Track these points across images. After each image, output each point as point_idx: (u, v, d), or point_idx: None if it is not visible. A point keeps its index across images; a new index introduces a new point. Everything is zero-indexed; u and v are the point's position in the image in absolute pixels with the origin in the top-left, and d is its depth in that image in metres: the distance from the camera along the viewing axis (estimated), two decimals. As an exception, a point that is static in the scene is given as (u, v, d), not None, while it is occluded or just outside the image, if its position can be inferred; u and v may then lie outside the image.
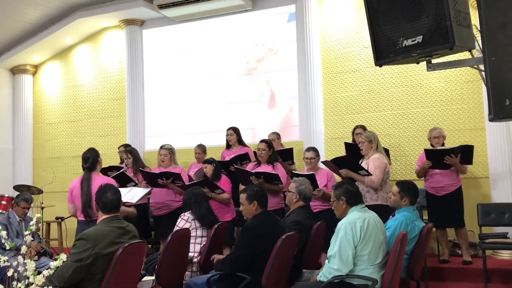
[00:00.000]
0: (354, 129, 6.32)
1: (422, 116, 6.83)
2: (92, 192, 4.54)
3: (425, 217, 5.98)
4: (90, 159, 4.69)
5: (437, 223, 5.68)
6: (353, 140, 6.24)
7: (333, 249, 3.45)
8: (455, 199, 5.60)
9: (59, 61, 9.31)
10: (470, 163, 5.67)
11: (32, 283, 2.83)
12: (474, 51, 3.02)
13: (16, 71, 9.30)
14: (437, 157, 5.52)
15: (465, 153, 5.54)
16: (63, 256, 2.92)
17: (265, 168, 5.59)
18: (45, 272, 2.92)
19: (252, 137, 7.51)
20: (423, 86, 6.86)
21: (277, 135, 6.65)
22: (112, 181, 4.57)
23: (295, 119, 7.60)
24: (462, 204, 5.65)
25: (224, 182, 5.74)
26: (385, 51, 2.88)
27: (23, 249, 2.98)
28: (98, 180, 4.57)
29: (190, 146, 7.26)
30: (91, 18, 8.53)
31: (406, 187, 4.18)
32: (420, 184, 5.73)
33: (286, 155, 6.26)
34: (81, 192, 4.60)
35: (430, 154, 5.59)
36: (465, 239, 5.65)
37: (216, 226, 4.55)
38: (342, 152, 6.45)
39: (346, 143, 6.11)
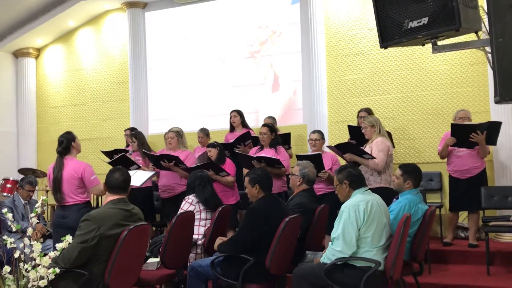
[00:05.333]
0: (359, 112, 6.30)
1: (427, 99, 6.80)
2: (63, 176, 4.45)
3: (430, 200, 5.99)
4: (64, 142, 4.56)
5: (458, 207, 5.65)
6: (358, 123, 6.22)
7: (336, 231, 3.48)
8: (479, 182, 5.51)
9: (61, 44, 9.26)
10: (494, 143, 5.49)
11: (38, 265, 2.87)
12: (480, 32, 2.99)
13: (19, 54, 9.27)
14: (463, 134, 5.36)
15: (491, 131, 5.36)
16: (69, 238, 2.95)
17: (268, 152, 5.59)
18: (51, 254, 2.96)
19: (256, 121, 7.49)
20: (428, 69, 6.81)
21: (273, 119, 6.63)
22: (84, 165, 4.51)
23: (299, 102, 7.57)
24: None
25: (229, 165, 5.76)
26: (391, 33, 2.85)
27: (29, 231, 3.01)
28: (71, 164, 4.49)
29: (193, 130, 7.25)
30: (93, 1, 8.47)
31: (409, 170, 4.18)
32: (424, 167, 5.72)
33: (283, 139, 6.24)
34: (52, 177, 4.54)
35: (456, 129, 5.41)
36: (476, 222, 5.62)
37: (220, 209, 4.57)
38: (345, 135, 6.43)
39: (349, 126, 6.09)
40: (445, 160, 5.77)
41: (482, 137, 5.31)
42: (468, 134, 5.33)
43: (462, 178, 5.57)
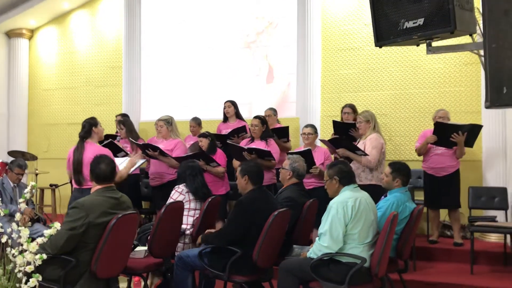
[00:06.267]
0: (343, 108, 6.28)
1: (419, 97, 6.83)
2: (84, 160, 4.53)
3: (418, 197, 6.05)
4: (86, 127, 4.68)
5: (434, 204, 5.74)
6: (341, 119, 6.22)
7: (324, 227, 3.50)
8: (454, 181, 5.62)
9: (56, 26, 9.16)
10: (471, 146, 5.57)
11: (25, 250, 2.87)
12: (475, 35, 3.00)
13: (12, 34, 9.15)
14: (445, 133, 5.42)
15: (471, 133, 5.44)
16: (57, 225, 2.95)
17: (259, 144, 5.59)
18: (39, 240, 2.96)
19: (249, 112, 7.47)
20: (422, 67, 6.83)
21: (273, 111, 6.61)
22: (106, 151, 4.56)
23: (293, 95, 7.57)
24: (459, 186, 5.67)
25: (220, 155, 5.76)
26: (386, 32, 2.86)
27: (17, 216, 3.01)
28: (91, 149, 4.56)
29: (186, 118, 7.23)
30: (89, -16, 8.39)
31: (399, 168, 4.21)
32: (413, 165, 5.76)
33: (282, 132, 6.24)
34: (72, 160, 4.61)
35: (439, 128, 5.47)
36: (457, 220, 5.71)
37: (210, 199, 4.58)
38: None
39: (334, 121, 6.04)
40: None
41: (462, 138, 5.39)
42: (449, 134, 5.40)
43: (437, 175, 5.66)
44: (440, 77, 6.74)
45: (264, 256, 3.71)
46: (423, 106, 6.79)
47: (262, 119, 5.76)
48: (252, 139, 5.75)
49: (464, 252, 5.34)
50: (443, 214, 6.04)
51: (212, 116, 7.43)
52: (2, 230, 2.92)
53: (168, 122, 5.98)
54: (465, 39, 3.72)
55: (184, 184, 4.64)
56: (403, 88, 6.91)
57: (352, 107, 6.20)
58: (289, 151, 5.53)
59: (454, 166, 5.64)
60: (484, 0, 2.21)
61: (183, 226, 4.45)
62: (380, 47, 2.96)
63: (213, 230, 4.20)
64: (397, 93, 6.95)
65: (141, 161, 5.67)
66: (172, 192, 4.63)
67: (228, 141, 6.02)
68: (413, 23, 2.70)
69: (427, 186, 5.81)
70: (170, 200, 4.46)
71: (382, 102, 7.00)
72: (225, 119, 6.80)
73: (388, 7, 2.84)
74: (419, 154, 5.83)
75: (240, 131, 6.29)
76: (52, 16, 9.08)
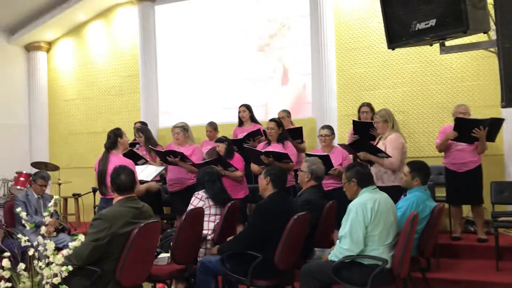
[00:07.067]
0: (360, 107, 6.22)
1: (437, 93, 6.76)
2: (108, 170, 4.58)
3: (439, 194, 5.99)
4: (111, 137, 4.76)
5: (456, 200, 5.67)
6: (359, 118, 6.18)
7: (344, 229, 3.51)
8: (476, 176, 5.53)
9: (72, 38, 9.31)
10: (493, 140, 5.48)
11: (52, 262, 2.94)
12: (490, 32, 2.97)
13: (30, 48, 9.33)
14: (466, 128, 5.34)
15: (493, 127, 5.34)
16: (81, 237, 3.02)
17: (275, 147, 5.61)
18: (64, 252, 3.02)
19: (265, 114, 7.50)
20: (439, 62, 6.75)
21: (287, 112, 6.60)
22: (130, 162, 4.62)
23: (308, 96, 7.56)
24: (482, 181, 5.58)
25: (237, 160, 5.80)
26: (398, 35, 2.86)
27: (43, 229, 3.08)
28: (115, 160, 4.61)
29: (202, 123, 7.28)
30: (104, -6, 8.51)
31: (417, 167, 4.19)
32: (434, 161, 5.72)
33: (296, 133, 6.24)
34: (97, 170, 4.69)
35: (460, 123, 5.37)
36: (481, 216, 5.63)
37: (229, 204, 4.62)
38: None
39: (354, 121, 6.01)
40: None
41: (483, 133, 5.28)
42: (470, 129, 5.31)
43: (459, 171, 5.58)
44: (458, 72, 6.66)
45: (285, 259, 3.74)
46: (441, 101, 6.71)
47: (278, 122, 5.77)
48: (269, 142, 5.77)
49: (489, 248, 5.26)
50: (466, 209, 5.97)
51: (228, 120, 7.47)
52: (29, 244, 2.99)
53: (184, 129, 6.06)
54: (479, 36, 3.69)
55: (204, 190, 4.69)
56: (421, 84, 6.85)
57: (370, 106, 6.16)
58: (307, 153, 5.53)
59: (476, 162, 5.55)
60: (496, 0, 2.19)
61: (204, 232, 4.50)
62: (393, 49, 2.97)
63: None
64: (415, 90, 6.89)
65: (160, 168, 5.74)
66: (192, 198, 4.68)
67: (244, 145, 6.05)
68: (425, 24, 2.69)
69: (449, 182, 5.74)
70: (190, 207, 4.51)
71: (400, 99, 6.95)
72: (241, 123, 6.84)
73: (399, 8, 2.83)
74: (439, 151, 5.77)
75: (255, 135, 6.32)
76: (69, 28, 9.23)
